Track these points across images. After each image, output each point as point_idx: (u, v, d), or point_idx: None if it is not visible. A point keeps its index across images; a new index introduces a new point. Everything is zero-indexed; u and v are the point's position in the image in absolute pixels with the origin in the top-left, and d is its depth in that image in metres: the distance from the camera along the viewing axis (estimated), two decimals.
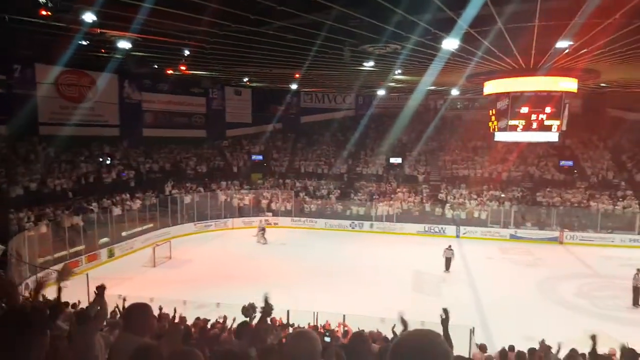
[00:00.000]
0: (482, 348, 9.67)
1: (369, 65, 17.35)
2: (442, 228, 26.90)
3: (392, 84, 25.91)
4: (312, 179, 32.34)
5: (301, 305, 12.90)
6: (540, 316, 14.72)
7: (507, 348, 9.33)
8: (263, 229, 24.80)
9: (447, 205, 28.16)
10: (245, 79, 27.27)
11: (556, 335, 11.39)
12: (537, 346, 9.17)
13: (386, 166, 33.15)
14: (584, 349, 9.07)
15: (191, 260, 21.12)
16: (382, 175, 32.48)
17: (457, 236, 26.30)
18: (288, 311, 11.76)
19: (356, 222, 28.21)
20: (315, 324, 11.66)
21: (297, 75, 23.23)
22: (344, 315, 11.67)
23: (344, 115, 39.04)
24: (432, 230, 26.97)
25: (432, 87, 27.52)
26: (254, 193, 30.13)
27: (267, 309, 4.13)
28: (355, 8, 10.45)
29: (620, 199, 27.19)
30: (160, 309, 10.13)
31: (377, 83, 26.07)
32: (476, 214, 27.39)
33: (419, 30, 11.85)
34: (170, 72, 23.77)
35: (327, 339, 7.41)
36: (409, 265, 20.16)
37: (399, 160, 33.10)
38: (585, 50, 13.49)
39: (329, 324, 11.11)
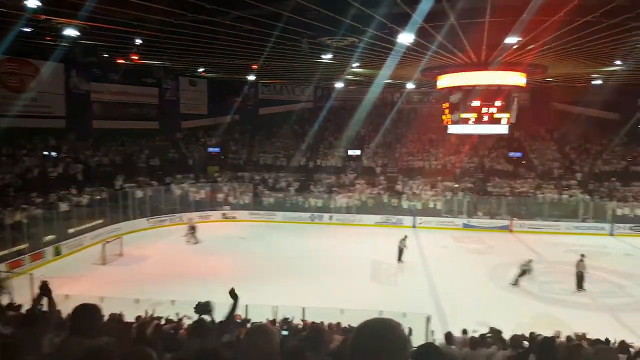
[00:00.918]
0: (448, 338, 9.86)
1: (327, 57, 17.37)
2: (399, 219, 27.47)
3: (351, 77, 26.08)
4: (271, 172, 32.15)
5: (260, 300, 12.81)
6: (492, 302, 15.36)
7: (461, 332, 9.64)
8: (193, 228, 23.15)
9: (404, 196, 28.76)
10: (201, 70, 26.65)
11: (507, 319, 11.99)
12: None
13: (345, 158, 33.43)
14: (534, 331, 9.62)
15: (144, 257, 20.51)
16: (341, 168, 32.73)
17: (414, 226, 26.94)
18: (247, 306, 11.65)
19: (315, 214, 28.31)
20: (274, 318, 11.65)
21: (255, 67, 22.93)
22: (303, 308, 11.70)
23: (302, 108, 38.94)
24: (389, 221, 27.49)
25: (389, 81, 27.92)
26: (211, 186, 29.58)
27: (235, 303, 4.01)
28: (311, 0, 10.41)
29: (565, 189, 28.71)
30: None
31: (336, 76, 26.16)
32: (431, 205, 28.14)
33: (375, 24, 11.96)
34: (121, 61, 22.84)
35: (285, 333, 7.45)
36: (368, 256, 20.47)
37: (357, 152, 33.49)
38: (532, 45, 14.06)
39: (287, 318, 11.12)
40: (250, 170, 32.27)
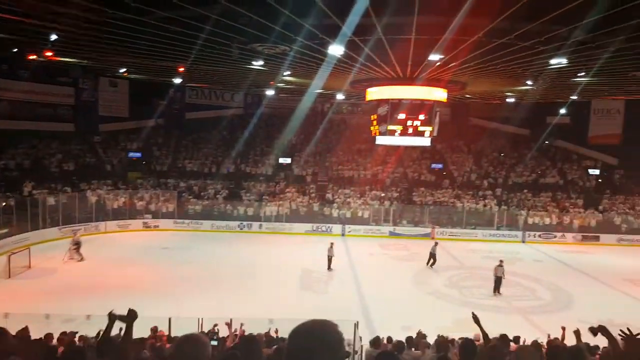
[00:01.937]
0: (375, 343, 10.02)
1: (258, 64, 17.18)
2: (329, 227, 27.75)
3: (282, 85, 26.03)
4: (198, 179, 31.13)
5: (186, 313, 12.34)
6: (416, 306, 15.89)
7: (385, 339, 9.83)
8: (77, 243, 20.28)
9: (334, 205, 29.13)
10: (123, 70, 25.21)
11: (430, 323, 12.44)
12: (414, 335, 9.83)
13: (275, 166, 33.24)
14: (454, 334, 10.04)
15: (56, 269, 18.88)
16: (271, 176, 32.49)
17: (343, 234, 27.34)
18: (170, 319, 11.12)
19: (245, 222, 27.80)
20: (201, 330, 11.25)
21: (182, 69, 22.13)
22: (230, 319, 11.37)
23: (232, 114, 38.19)
24: (319, 230, 27.67)
25: (320, 90, 28.25)
26: (131, 193, 28.01)
27: (129, 319, 3.50)
28: (241, 5, 10.23)
29: (482, 198, 30.64)
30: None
31: (267, 83, 25.97)
32: (360, 213, 28.76)
33: (306, 34, 12.03)
34: (32, 57, 21.01)
35: (214, 343, 7.19)
36: (298, 264, 20.41)
37: (288, 160, 33.45)
38: (453, 63, 14.88)
39: (215, 329, 10.75)
40: (175, 177, 31.01)
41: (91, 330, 9.62)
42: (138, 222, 26.80)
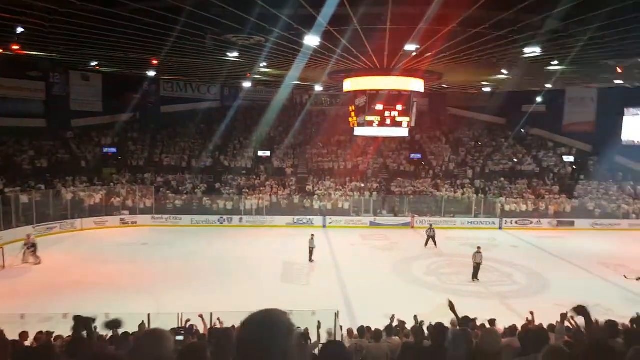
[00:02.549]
0: (350, 332, 10.15)
1: (233, 55, 16.94)
2: (310, 219, 27.75)
3: (259, 77, 25.77)
4: (176, 173, 30.71)
5: (167, 309, 12.24)
6: (397, 295, 16.05)
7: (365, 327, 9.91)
8: (34, 245, 19.09)
9: (315, 197, 29.13)
10: (94, 63, 24.55)
11: (410, 310, 12.57)
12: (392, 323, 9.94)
13: (255, 159, 33.02)
14: (434, 320, 10.18)
15: (31, 269, 18.44)
16: (251, 169, 32.26)
17: (324, 226, 27.40)
18: (149, 315, 11.02)
19: (225, 217, 27.56)
20: (181, 325, 11.18)
21: (155, 62, 21.68)
22: (211, 314, 11.33)
23: (208, 106, 37.72)
24: (300, 222, 27.65)
25: (298, 82, 28.08)
26: (107, 190, 27.45)
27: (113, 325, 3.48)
28: None
29: (460, 187, 31.04)
30: None
31: (243, 75, 25.68)
32: (340, 205, 28.84)
33: (281, 24, 11.89)
34: None
35: (180, 338, 7.15)
36: (279, 257, 20.39)
37: (267, 153, 33.23)
38: (429, 53, 14.93)
39: (186, 324, 10.71)
40: (152, 171, 30.50)
41: (69, 329, 9.44)
42: (115, 218, 26.33)
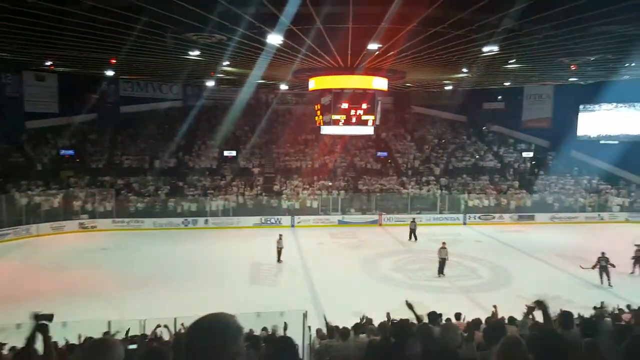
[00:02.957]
0: (319, 332, 10.11)
1: (194, 54, 16.59)
2: (278, 219, 27.60)
3: (222, 76, 25.37)
4: (137, 175, 29.88)
5: (130, 315, 11.86)
6: (365, 292, 16.15)
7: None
8: None
9: (282, 196, 28.98)
10: (49, 63, 23.55)
11: (379, 307, 12.66)
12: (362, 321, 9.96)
13: (220, 159, 32.53)
14: (402, 316, 10.28)
15: None
16: (216, 169, 31.77)
17: (292, 225, 27.31)
18: (109, 322, 10.67)
19: (189, 219, 27.03)
20: (143, 333, 10.88)
21: (114, 61, 20.99)
22: (175, 319, 11.06)
23: (170, 106, 36.93)
24: (268, 222, 27.46)
25: (262, 81, 27.82)
26: (65, 193, 26.40)
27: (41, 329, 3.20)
28: None
29: (425, 184, 31.57)
30: None
31: (206, 74, 25.22)
32: (308, 204, 28.80)
33: (243, 23, 11.71)
34: None
35: (133, 347, 6.95)
36: (246, 259, 20.16)
37: (233, 153, 32.78)
38: (391, 52, 15.07)
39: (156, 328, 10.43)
40: (112, 174, 29.56)
41: (22, 340, 9.00)
42: (74, 223, 25.39)
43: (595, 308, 10.40)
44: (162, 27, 12.87)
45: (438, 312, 9.77)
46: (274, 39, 13.08)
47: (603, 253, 16.83)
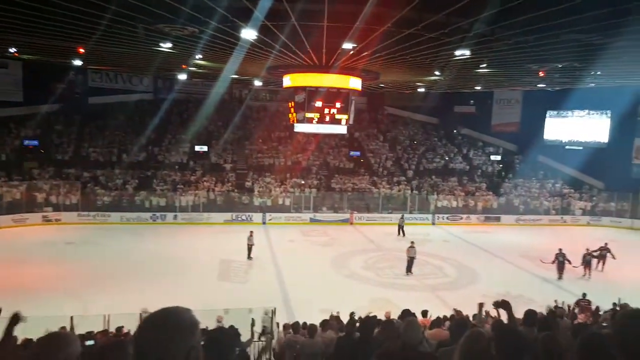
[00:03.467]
0: (286, 327, 10.17)
1: (166, 46, 16.25)
2: (249, 216, 27.43)
3: (194, 69, 24.96)
4: (105, 168, 29.12)
5: (95, 311, 11.62)
6: (335, 289, 16.27)
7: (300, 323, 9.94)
8: None
9: (254, 193, 28.78)
10: (13, 50, 22.62)
11: (348, 304, 12.78)
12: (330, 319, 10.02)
13: (191, 154, 32.04)
14: (371, 313, 10.40)
15: None
16: (186, 164, 31.28)
17: (264, 223, 27.19)
18: (72, 317, 10.43)
19: (158, 214, 26.56)
20: (107, 329, 10.67)
21: (82, 50, 20.34)
22: (140, 314, 10.88)
23: (141, 98, 36.16)
24: (239, 219, 27.25)
25: (236, 76, 27.53)
26: (28, 185, 25.50)
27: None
28: None
29: (396, 184, 31.95)
30: None
31: (178, 66, 24.76)
32: (280, 201, 28.72)
33: (217, 16, 11.55)
34: None
35: (90, 342, 6.84)
36: (216, 255, 19.99)
37: (204, 148, 32.33)
38: (365, 52, 15.16)
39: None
40: (78, 166, 28.73)
41: None
42: (37, 215, 24.58)
43: (552, 307, 10.78)
44: (133, 17, 12.57)
45: (405, 309, 9.96)
46: (248, 33, 12.95)
47: (560, 249, 18.41)
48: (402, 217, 26.14)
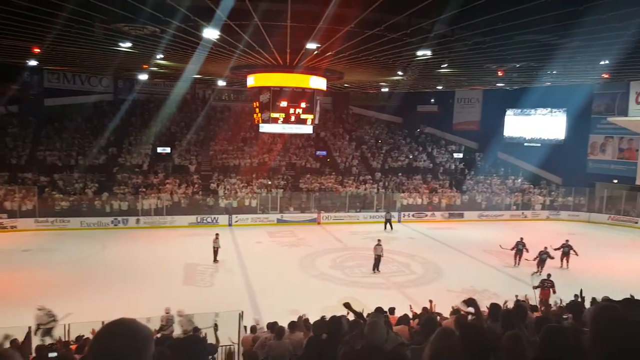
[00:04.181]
0: (253, 329, 10.08)
1: (125, 46, 15.83)
2: (215, 218, 27.02)
3: (156, 69, 24.41)
4: (63, 172, 28.04)
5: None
6: (303, 290, 16.25)
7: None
8: None
9: (220, 195, 28.38)
10: None
11: (316, 304, 12.79)
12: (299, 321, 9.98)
13: (153, 156, 31.27)
14: (339, 312, 10.44)
15: None
16: (148, 166, 30.51)
17: (230, 225, 26.85)
18: (29, 328, 10.05)
19: (120, 218, 25.77)
20: (66, 339, 10.30)
21: (37, 50, 19.54)
22: (102, 322, 10.53)
23: (100, 100, 35.02)
24: (205, 221, 26.80)
25: (199, 76, 27.11)
26: None
27: None
28: None
29: (362, 183, 32.24)
30: None
31: (138, 66, 24.14)
32: (247, 202, 28.43)
33: (178, 16, 11.34)
34: None
35: (53, 355, 6.65)
36: (181, 259, 19.58)
37: (167, 150, 31.59)
38: (329, 52, 15.24)
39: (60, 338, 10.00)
40: (35, 170, 27.55)
41: None
42: None
43: (515, 302, 11.13)
44: (90, 16, 12.17)
45: (374, 307, 10.04)
46: (211, 33, 12.79)
47: (521, 238, 19.89)
48: (388, 212, 27.64)
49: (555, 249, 19.01)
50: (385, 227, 26.75)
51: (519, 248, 19.52)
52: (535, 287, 14.72)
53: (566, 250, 19.22)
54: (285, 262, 20.02)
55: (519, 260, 19.46)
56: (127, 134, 32.61)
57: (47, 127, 31.29)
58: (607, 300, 6.03)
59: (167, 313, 11.30)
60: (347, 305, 5.87)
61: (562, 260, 19.25)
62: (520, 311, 5.99)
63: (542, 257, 18.24)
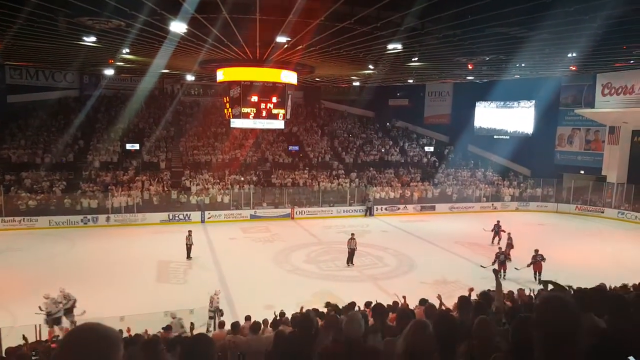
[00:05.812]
0: (221, 325, 10.05)
1: (90, 40, 15.36)
2: (187, 215, 26.67)
3: (122, 64, 23.80)
4: (29, 170, 27.10)
5: (23, 321, 10.99)
6: (278, 285, 16.24)
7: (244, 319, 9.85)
8: None
9: (191, 191, 27.98)
10: None
11: (292, 299, 12.81)
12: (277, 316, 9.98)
13: (122, 153, 30.54)
14: (314, 306, 10.49)
15: None
16: (117, 163, 29.80)
17: (203, 221, 26.55)
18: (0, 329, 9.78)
19: (89, 216, 25.16)
20: (38, 339, 10.11)
21: None
22: (75, 323, 10.40)
23: (65, 96, 33.98)
24: (177, 218, 26.43)
25: (167, 71, 26.58)
26: None
27: None
28: None
29: (335, 177, 32.34)
30: None
31: (104, 61, 23.50)
32: (219, 198, 28.14)
33: (144, 9, 11.07)
34: None
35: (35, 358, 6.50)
36: (153, 257, 19.31)
37: (136, 146, 30.89)
38: (300, 46, 15.19)
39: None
40: (0, 169, 26.58)
41: None
42: None
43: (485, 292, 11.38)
44: (53, 10, 11.76)
45: (348, 300, 10.13)
46: (178, 27, 12.55)
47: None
48: (369, 200, 29.61)
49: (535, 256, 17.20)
50: (365, 214, 28.91)
51: (496, 230, 22.12)
52: (528, 265, 16.49)
53: (538, 259, 17.04)
54: (259, 257, 19.94)
55: (499, 240, 21.43)
56: (94, 130, 31.75)
57: (10, 124, 30.18)
58: (560, 288, 6.27)
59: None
60: (327, 305, 5.89)
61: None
62: (486, 300, 6.16)
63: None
